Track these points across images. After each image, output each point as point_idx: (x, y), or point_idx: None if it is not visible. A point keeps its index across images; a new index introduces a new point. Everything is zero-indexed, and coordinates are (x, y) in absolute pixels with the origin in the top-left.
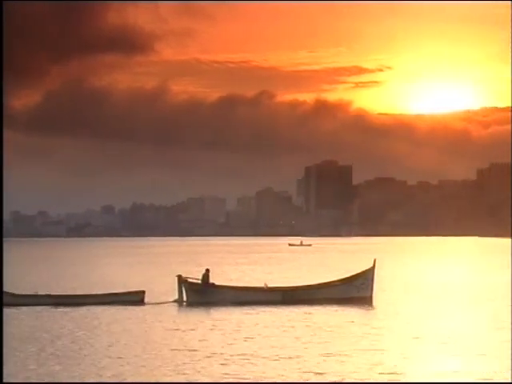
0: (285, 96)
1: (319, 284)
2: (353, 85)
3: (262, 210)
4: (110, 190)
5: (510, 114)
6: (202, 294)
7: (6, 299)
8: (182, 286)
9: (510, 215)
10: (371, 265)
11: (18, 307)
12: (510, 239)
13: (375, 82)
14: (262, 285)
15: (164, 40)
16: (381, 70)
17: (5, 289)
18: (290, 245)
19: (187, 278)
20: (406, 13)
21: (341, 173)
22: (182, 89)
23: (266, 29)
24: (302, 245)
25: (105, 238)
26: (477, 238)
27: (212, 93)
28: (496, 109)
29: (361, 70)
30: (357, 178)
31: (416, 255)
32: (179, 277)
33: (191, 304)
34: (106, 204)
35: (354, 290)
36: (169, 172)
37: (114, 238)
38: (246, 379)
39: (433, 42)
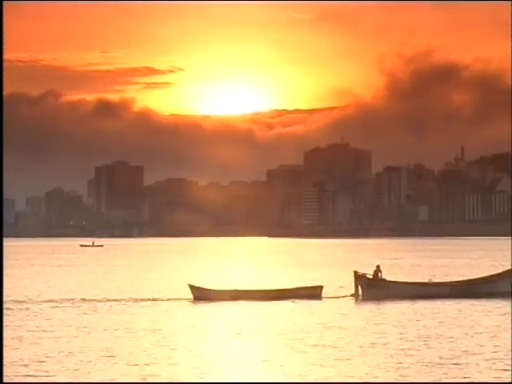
0: (74, 96)
1: (481, 278)
2: (144, 85)
3: (51, 211)
4: None
5: (296, 115)
6: (374, 288)
7: (201, 294)
8: (358, 281)
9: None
10: None
11: (218, 302)
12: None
13: (167, 83)
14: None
15: None
16: (172, 71)
17: None
18: (81, 246)
19: (364, 273)
20: (197, 14)
21: (132, 173)
22: None
23: (57, 28)
24: (93, 246)
25: None
26: (266, 238)
27: None
28: (285, 111)
29: (152, 71)
30: (148, 179)
31: (206, 256)
32: (355, 272)
33: (365, 298)
34: None
35: (509, 286)
36: None
37: None
38: None
39: (224, 44)
